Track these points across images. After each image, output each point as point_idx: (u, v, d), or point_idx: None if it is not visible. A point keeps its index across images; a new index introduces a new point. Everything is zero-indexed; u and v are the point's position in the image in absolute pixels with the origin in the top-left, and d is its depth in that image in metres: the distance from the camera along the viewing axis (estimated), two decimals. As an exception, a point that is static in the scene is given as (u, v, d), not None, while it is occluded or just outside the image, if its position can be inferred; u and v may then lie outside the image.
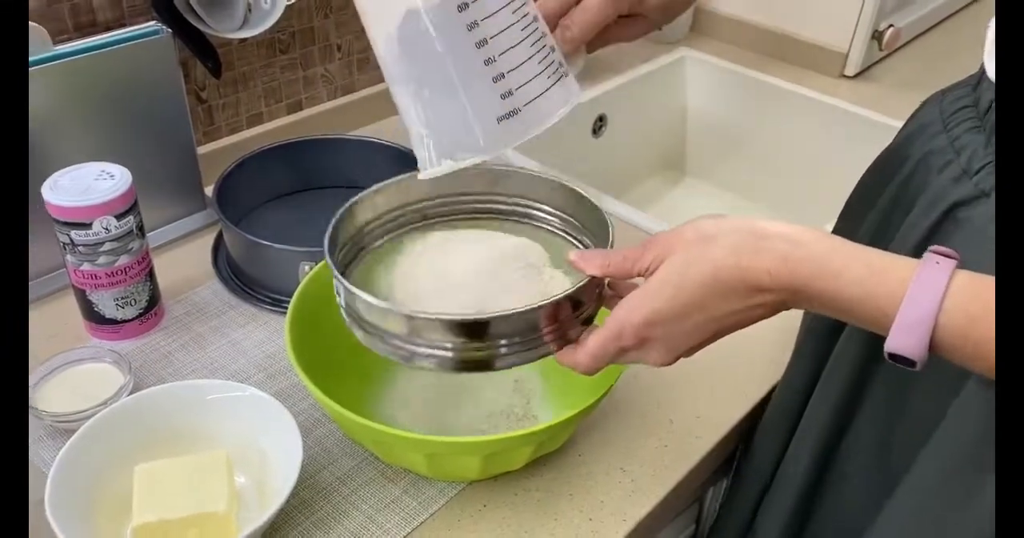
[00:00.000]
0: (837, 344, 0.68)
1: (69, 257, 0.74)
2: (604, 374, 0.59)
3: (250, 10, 0.89)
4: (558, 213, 0.66)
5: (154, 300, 0.80)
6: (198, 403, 0.66)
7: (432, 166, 0.56)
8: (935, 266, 0.46)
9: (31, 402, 0.69)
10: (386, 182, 0.64)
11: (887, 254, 0.49)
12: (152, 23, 0.85)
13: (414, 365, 0.56)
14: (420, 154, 0.57)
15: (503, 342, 0.54)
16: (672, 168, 1.43)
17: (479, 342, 0.54)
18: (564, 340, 0.57)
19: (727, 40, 1.39)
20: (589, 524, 0.66)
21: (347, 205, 0.62)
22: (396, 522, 0.65)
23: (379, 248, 0.65)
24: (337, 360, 0.68)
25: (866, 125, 1.19)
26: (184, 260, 0.90)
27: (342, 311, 0.59)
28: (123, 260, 0.75)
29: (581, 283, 0.55)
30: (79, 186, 0.72)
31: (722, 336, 0.54)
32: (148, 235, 0.87)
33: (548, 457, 0.71)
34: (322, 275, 0.71)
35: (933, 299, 0.45)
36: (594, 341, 0.55)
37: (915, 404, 0.62)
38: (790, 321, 0.68)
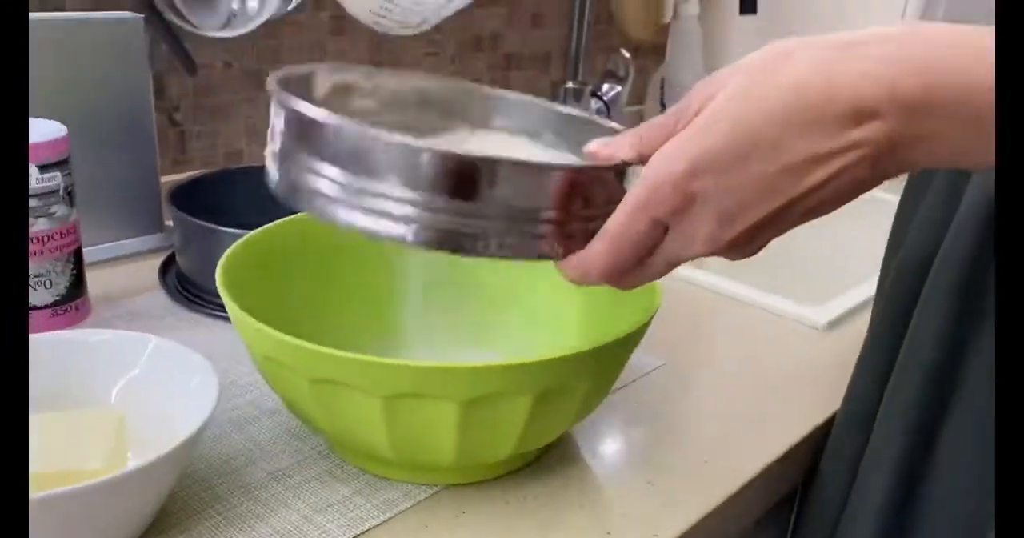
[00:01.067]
0: (900, 353, 0.54)
1: (-23, 218, 0.61)
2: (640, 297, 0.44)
3: (234, 14, 0.83)
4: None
5: (77, 290, 0.66)
6: (85, 354, 0.51)
7: None
8: None
9: None
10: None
11: None
12: (127, 13, 0.78)
13: (360, 227, 0.39)
14: None
15: (494, 211, 0.39)
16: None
17: (461, 201, 0.39)
18: (569, 242, 0.41)
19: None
20: None
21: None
22: (340, 524, 0.47)
23: None
24: (282, 311, 0.53)
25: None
26: (127, 273, 0.77)
27: (271, 158, 0.43)
28: (42, 225, 0.62)
29: (614, 162, 0.40)
30: None
31: (800, 213, 0.37)
32: (90, 249, 0.76)
33: (548, 463, 0.54)
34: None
35: None
36: (615, 220, 0.39)
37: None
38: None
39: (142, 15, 0.78)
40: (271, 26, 0.85)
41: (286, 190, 0.42)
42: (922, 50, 0.33)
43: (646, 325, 0.49)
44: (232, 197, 0.82)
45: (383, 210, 0.39)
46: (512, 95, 0.53)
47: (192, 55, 0.84)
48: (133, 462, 0.42)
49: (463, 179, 0.38)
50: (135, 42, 0.77)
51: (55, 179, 0.62)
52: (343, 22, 0.99)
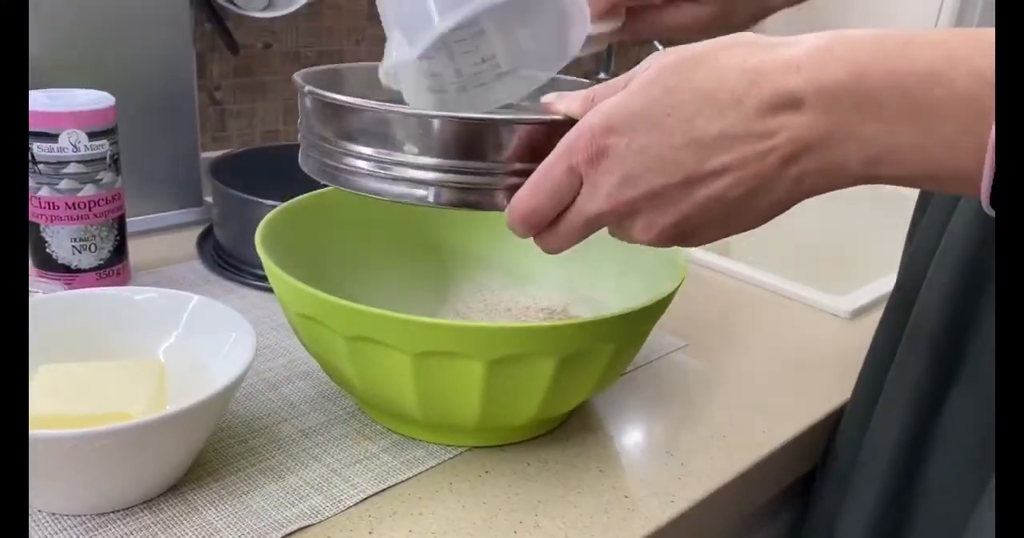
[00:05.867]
0: (904, 334, 0.55)
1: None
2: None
3: (278, -6, 0.85)
4: None
5: (119, 254, 0.69)
6: (132, 309, 0.53)
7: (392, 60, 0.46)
8: None
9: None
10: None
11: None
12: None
13: (389, 195, 0.43)
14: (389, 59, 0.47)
15: (472, 167, 0.42)
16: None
17: (416, 152, 0.42)
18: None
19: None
20: (625, 501, 0.50)
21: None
22: (368, 478, 0.49)
23: None
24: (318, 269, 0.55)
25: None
26: (166, 244, 0.80)
27: (304, 143, 0.48)
28: (88, 190, 0.65)
29: (558, 117, 0.42)
30: (54, 98, 0.64)
31: (701, 198, 0.35)
32: (132, 220, 0.78)
33: (570, 433, 0.56)
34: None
35: None
36: (540, 165, 0.39)
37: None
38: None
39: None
40: (312, 8, 0.88)
41: (318, 169, 0.46)
42: (850, 42, 0.33)
43: (670, 296, 0.51)
44: (269, 173, 0.84)
45: (407, 177, 0.42)
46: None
47: (234, 35, 0.86)
48: (172, 407, 0.44)
49: (403, 128, 0.42)
50: (180, 21, 0.79)
51: (103, 146, 0.65)
52: (381, 7, 1.01)
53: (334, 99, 0.43)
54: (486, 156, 0.41)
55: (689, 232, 0.37)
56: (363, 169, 0.43)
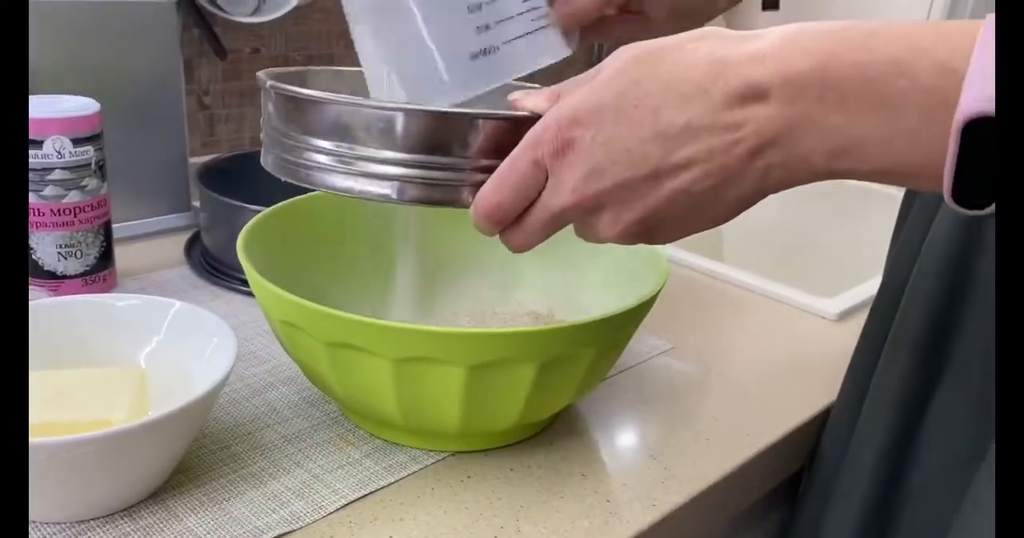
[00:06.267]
0: (889, 333, 0.55)
1: (13, 188, 0.64)
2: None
3: (264, 1, 0.85)
4: None
5: (105, 261, 0.69)
6: (114, 315, 0.53)
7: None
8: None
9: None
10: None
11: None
12: (160, -4, 0.81)
13: (352, 191, 0.43)
14: (378, 96, 0.48)
15: (439, 163, 0.41)
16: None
17: (377, 147, 0.41)
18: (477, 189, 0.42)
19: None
20: (607, 505, 0.50)
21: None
22: (350, 484, 0.49)
23: None
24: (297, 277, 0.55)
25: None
26: (153, 249, 0.80)
27: (266, 141, 0.48)
28: (73, 197, 0.65)
29: (525, 113, 0.41)
30: (40, 104, 0.64)
31: (667, 192, 0.35)
32: (119, 225, 0.78)
33: (554, 437, 0.56)
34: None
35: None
36: (506, 159, 0.39)
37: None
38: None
39: (174, 0, 0.80)
40: (299, 13, 0.88)
41: (279, 166, 0.46)
42: (815, 34, 0.33)
43: (650, 300, 0.51)
44: (257, 178, 0.84)
45: (371, 172, 0.42)
46: None
47: (222, 40, 0.87)
48: (153, 413, 0.44)
49: (364, 125, 0.41)
50: (167, 26, 0.80)
51: (88, 153, 0.65)
52: (370, 12, 1.01)
53: (296, 92, 0.43)
54: (450, 151, 0.41)
55: (655, 227, 0.37)
56: (324, 164, 0.43)
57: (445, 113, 0.41)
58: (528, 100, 0.40)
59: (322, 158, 0.43)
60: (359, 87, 0.50)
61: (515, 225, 0.40)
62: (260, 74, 0.47)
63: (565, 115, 0.36)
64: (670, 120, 0.34)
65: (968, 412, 0.51)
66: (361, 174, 0.42)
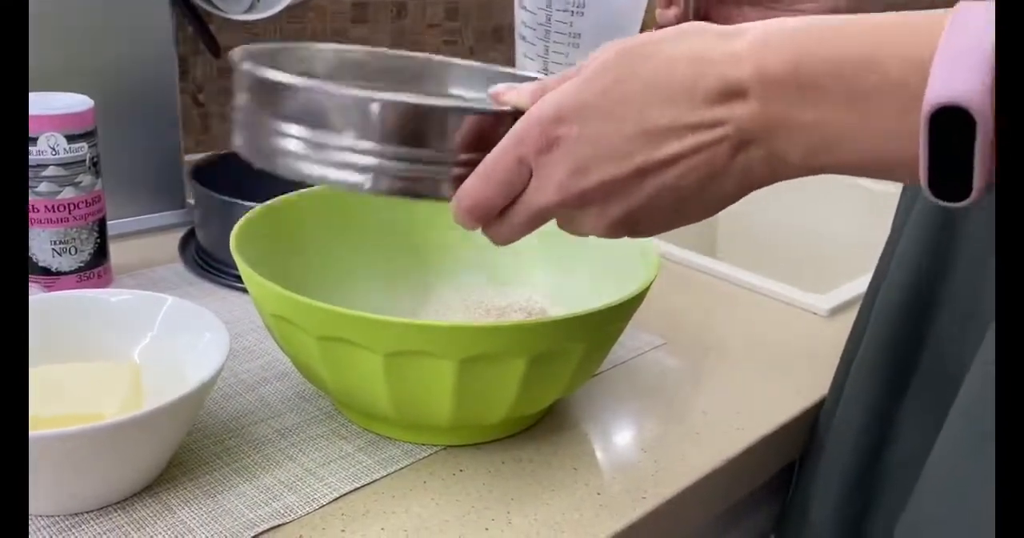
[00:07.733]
0: (868, 327, 0.56)
1: (7, 185, 0.64)
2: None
3: (259, -3, 0.86)
4: None
5: (100, 257, 0.69)
6: (107, 311, 0.53)
7: None
8: None
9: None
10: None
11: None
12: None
13: (326, 179, 0.41)
14: None
15: (415, 155, 0.40)
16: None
17: (354, 135, 0.40)
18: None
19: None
20: (597, 498, 0.50)
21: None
22: (342, 478, 0.50)
23: None
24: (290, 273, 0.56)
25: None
26: (148, 246, 0.80)
27: (238, 125, 0.45)
28: (68, 193, 0.65)
29: (507, 108, 0.41)
30: (34, 101, 0.64)
31: (652, 189, 0.36)
32: (114, 222, 0.79)
33: (546, 431, 0.56)
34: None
35: (986, 21, 0.29)
36: (489, 155, 0.38)
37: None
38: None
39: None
40: (294, 11, 0.88)
41: (252, 151, 0.43)
42: (790, 31, 0.33)
43: (640, 295, 0.51)
44: (252, 175, 0.84)
45: (344, 161, 0.40)
46: (466, 63, 0.55)
47: (216, 37, 0.87)
48: (146, 407, 0.44)
49: (393, 125, 0.40)
50: (161, 24, 0.80)
51: (82, 150, 0.65)
52: (365, 9, 1.01)
53: (270, 76, 0.41)
54: (429, 144, 0.40)
55: (640, 222, 0.38)
56: (296, 151, 0.41)
57: (425, 105, 0.40)
58: (511, 94, 0.40)
59: (293, 144, 0.41)
60: (335, 67, 0.50)
61: (499, 220, 0.40)
62: (232, 54, 0.44)
63: (549, 112, 0.37)
64: (654, 117, 0.35)
65: (941, 399, 0.51)
66: (333, 163, 0.40)
